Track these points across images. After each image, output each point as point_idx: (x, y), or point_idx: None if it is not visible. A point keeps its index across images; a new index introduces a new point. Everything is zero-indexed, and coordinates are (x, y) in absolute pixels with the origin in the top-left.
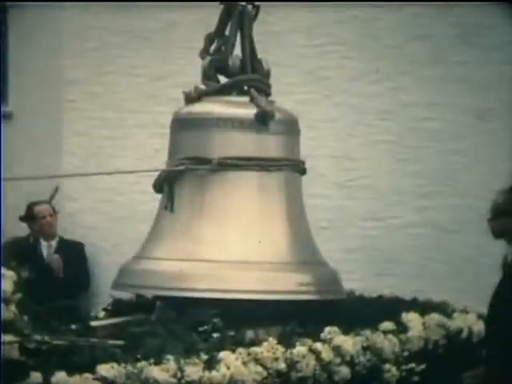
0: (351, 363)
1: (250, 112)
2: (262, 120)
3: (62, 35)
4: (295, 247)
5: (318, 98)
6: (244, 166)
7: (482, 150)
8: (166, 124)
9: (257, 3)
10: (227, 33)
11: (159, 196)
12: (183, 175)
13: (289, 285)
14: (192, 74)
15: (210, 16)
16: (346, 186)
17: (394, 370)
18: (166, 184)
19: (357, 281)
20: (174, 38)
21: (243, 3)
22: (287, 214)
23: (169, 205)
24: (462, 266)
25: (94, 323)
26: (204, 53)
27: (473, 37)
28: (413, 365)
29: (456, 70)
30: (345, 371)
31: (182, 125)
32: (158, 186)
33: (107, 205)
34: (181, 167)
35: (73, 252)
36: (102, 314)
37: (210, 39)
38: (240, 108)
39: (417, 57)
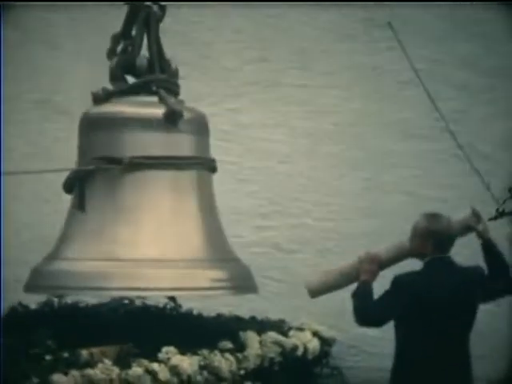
0: (188, 383)
1: (159, 112)
2: (171, 119)
3: None
4: (208, 244)
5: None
6: (155, 165)
7: (318, 171)
8: None
9: (163, 3)
10: (133, 33)
11: None
12: (94, 175)
13: (203, 281)
14: None
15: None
16: None
17: None
18: (77, 184)
19: (196, 300)
20: None
21: (149, 3)
22: (199, 212)
23: (79, 205)
24: (299, 284)
25: None
26: (111, 53)
27: (309, 61)
28: (249, 383)
29: (293, 93)
30: None
31: (91, 125)
32: (68, 187)
33: None
34: (91, 167)
35: None
36: None
37: (116, 40)
38: (149, 108)
39: (255, 79)
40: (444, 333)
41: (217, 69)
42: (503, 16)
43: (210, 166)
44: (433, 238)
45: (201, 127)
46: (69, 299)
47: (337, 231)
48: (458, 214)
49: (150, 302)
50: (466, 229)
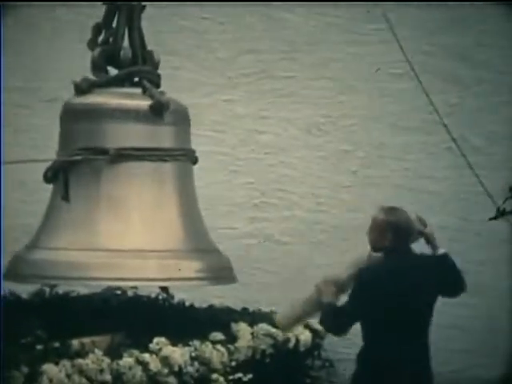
0: (179, 374)
1: (144, 103)
2: (158, 111)
3: None
4: (191, 235)
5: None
6: (141, 157)
7: (310, 163)
8: None
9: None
10: (115, 24)
11: None
12: (78, 165)
13: (187, 272)
14: None
15: None
16: None
17: (221, 379)
18: (61, 174)
19: (188, 290)
20: None
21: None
22: (182, 203)
23: (65, 195)
24: (292, 276)
25: None
26: (92, 44)
27: (300, 52)
28: (240, 374)
29: (285, 85)
30: (172, 382)
31: (75, 115)
32: (50, 176)
33: None
34: (77, 157)
35: None
36: None
37: (97, 30)
38: (134, 99)
39: (248, 70)
40: (404, 323)
41: (210, 59)
42: (495, 9)
43: (192, 158)
44: (391, 230)
45: (183, 119)
46: (60, 289)
47: (329, 223)
48: None
49: (141, 293)
50: (416, 235)
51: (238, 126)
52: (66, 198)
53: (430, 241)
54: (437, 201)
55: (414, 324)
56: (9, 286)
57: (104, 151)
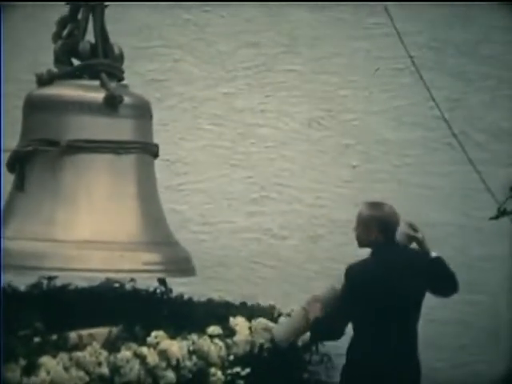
0: (177, 367)
1: (100, 96)
2: (111, 104)
3: None
4: (145, 227)
5: (150, 102)
6: (93, 149)
7: (310, 157)
8: None
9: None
10: (79, 17)
11: None
12: (35, 156)
13: (135, 264)
14: None
15: None
16: (178, 190)
17: (219, 374)
18: (17, 164)
19: (186, 284)
20: None
21: None
22: (138, 195)
23: (19, 185)
24: (290, 270)
25: None
26: (56, 37)
27: (301, 46)
28: (238, 369)
29: (285, 78)
30: (170, 375)
31: (33, 106)
32: (11, 166)
33: None
34: (29, 148)
35: None
36: None
37: (62, 23)
38: (90, 92)
39: (249, 63)
40: (393, 316)
41: (210, 52)
42: (499, 4)
43: (151, 151)
44: (376, 225)
45: (142, 112)
46: (58, 282)
47: (328, 218)
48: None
49: (140, 286)
50: (408, 240)
51: (238, 119)
52: (20, 188)
53: (421, 246)
54: (438, 196)
55: (402, 318)
56: (7, 279)
57: (55, 143)
